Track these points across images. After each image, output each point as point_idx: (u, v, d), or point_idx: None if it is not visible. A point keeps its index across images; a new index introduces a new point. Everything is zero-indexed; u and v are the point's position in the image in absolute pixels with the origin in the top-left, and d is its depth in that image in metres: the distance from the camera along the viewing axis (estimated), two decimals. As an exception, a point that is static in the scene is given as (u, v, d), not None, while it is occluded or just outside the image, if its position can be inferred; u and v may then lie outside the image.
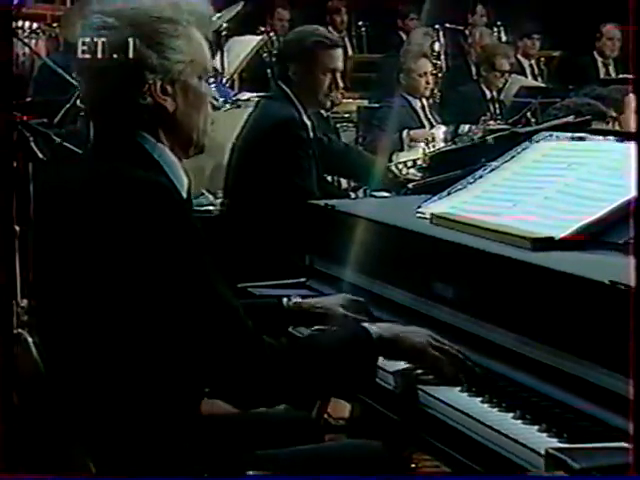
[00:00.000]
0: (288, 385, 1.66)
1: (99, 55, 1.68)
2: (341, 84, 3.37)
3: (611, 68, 7.70)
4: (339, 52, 3.35)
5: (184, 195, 1.70)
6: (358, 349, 1.71)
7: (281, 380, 1.65)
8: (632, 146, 2.04)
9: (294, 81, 3.28)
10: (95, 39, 1.68)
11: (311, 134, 3.31)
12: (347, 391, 1.82)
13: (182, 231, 1.61)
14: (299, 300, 2.07)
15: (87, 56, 1.69)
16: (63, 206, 1.69)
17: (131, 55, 1.66)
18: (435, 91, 5.69)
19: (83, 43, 1.69)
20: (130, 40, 1.66)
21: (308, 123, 3.30)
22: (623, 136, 2.20)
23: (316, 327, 2.04)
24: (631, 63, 1.45)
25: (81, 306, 1.63)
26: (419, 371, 1.76)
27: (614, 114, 3.89)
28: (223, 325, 1.61)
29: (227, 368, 1.62)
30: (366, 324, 1.77)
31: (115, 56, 1.67)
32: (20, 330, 1.78)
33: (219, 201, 3.81)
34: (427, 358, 1.74)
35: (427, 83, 5.41)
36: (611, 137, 2.18)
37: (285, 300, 2.07)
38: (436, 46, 6.99)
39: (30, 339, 1.71)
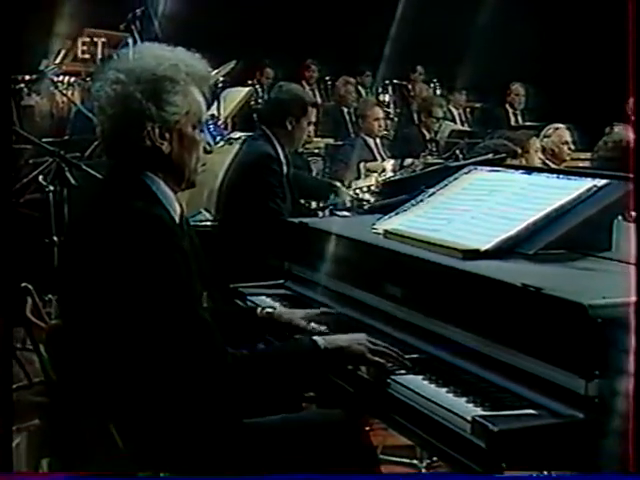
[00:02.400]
0: (247, 387, 1.63)
1: (110, 103, 1.64)
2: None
3: (519, 117, 7.80)
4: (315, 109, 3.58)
5: (177, 220, 1.68)
6: (306, 357, 1.68)
7: (242, 384, 1.61)
8: (535, 177, 2.08)
9: (288, 128, 3.31)
10: (108, 90, 1.64)
11: (285, 168, 3.32)
12: (300, 390, 1.79)
13: (170, 252, 1.58)
14: (270, 310, 2.02)
15: (102, 103, 1.65)
16: (82, 226, 1.68)
17: (134, 106, 1.62)
18: (386, 132, 5.72)
19: (99, 92, 1.66)
20: (134, 93, 1.62)
21: (283, 160, 3.32)
22: (529, 169, 2.23)
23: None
24: (631, 66, 1.36)
25: (90, 308, 1.60)
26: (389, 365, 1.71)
27: (521, 152, 3.92)
28: (196, 335, 1.57)
29: (195, 372, 1.57)
30: (315, 337, 1.71)
31: (122, 105, 1.63)
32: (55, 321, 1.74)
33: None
34: (366, 362, 1.71)
35: (380, 126, 5.45)
36: (520, 170, 2.19)
37: (259, 310, 2.02)
38: (386, 97, 7.02)
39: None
